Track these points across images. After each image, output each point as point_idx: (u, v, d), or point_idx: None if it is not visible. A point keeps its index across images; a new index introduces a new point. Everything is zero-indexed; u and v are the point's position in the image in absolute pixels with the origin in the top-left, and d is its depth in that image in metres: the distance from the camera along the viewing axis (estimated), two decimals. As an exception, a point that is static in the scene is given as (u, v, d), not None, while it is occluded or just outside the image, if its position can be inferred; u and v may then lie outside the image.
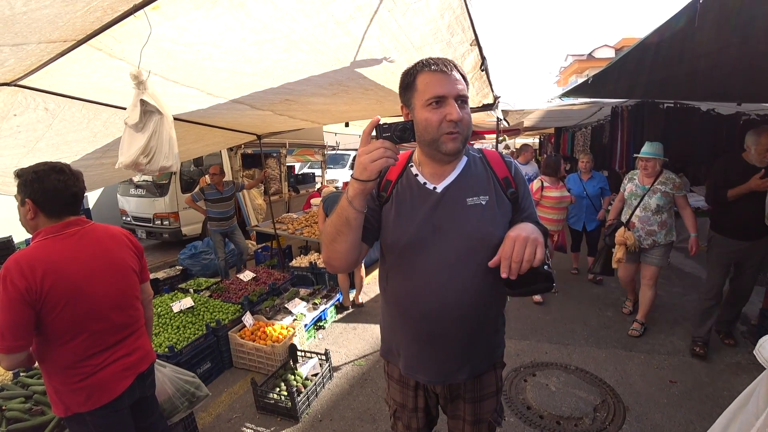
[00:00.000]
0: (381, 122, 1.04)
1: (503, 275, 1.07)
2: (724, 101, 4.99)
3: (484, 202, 1.24)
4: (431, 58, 1.17)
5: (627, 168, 6.78)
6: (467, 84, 1.19)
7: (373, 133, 1.04)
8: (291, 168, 10.79)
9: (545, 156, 4.93)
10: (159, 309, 3.70)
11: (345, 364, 3.49)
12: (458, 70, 1.17)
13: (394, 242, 1.28)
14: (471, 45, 1.95)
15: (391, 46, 1.92)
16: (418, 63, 1.18)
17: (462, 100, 1.15)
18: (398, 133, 1.04)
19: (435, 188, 1.26)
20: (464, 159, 1.30)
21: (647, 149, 3.55)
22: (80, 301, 1.54)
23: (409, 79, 1.19)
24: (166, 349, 3.02)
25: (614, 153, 6.95)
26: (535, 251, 1.05)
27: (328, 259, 1.25)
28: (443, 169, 1.27)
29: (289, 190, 9.36)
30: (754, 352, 0.59)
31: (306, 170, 12.77)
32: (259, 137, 4.81)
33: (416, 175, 1.29)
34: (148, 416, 1.87)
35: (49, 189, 1.54)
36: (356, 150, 11.59)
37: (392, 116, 3.23)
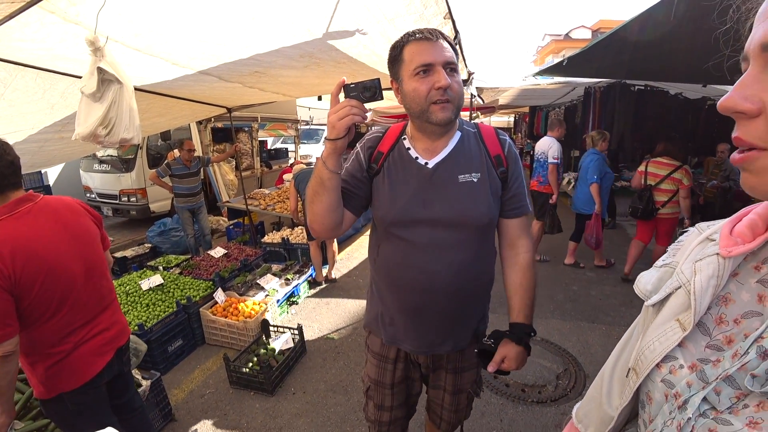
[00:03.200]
0: (348, 83, 1.05)
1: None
2: (693, 82, 5.10)
3: (475, 180, 1.24)
4: (417, 29, 1.15)
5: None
6: (456, 54, 1.18)
7: (341, 94, 1.06)
8: (263, 143, 10.55)
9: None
10: (127, 287, 3.62)
11: (318, 338, 3.53)
12: (445, 39, 1.15)
13: (384, 215, 1.28)
14: (444, 18, 1.93)
15: (363, 17, 1.88)
16: (404, 35, 1.16)
17: (451, 67, 1.13)
18: (364, 92, 1.06)
19: (427, 164, 1.25)
20: (458, 134, 1.28)
21: None
22: (55, 278, 1.48)
23: (395, 52, 1.17)
24: (136, 327, 2.96)
25: (586, 133, 7.10)
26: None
27: (309, 221, 1.25)
28: (436, 144, 1.25)
29: (261, 166, 9.18)
30: (633, 286, 0.65)
31: (279, 145, 12.51)
32: (230, 110, 4.66)
33: (408, 149, 1.28)
34: (125, 393, 1.85)
35: None
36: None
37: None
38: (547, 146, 4.73)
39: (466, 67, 2.79)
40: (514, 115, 18.05)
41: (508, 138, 1.33)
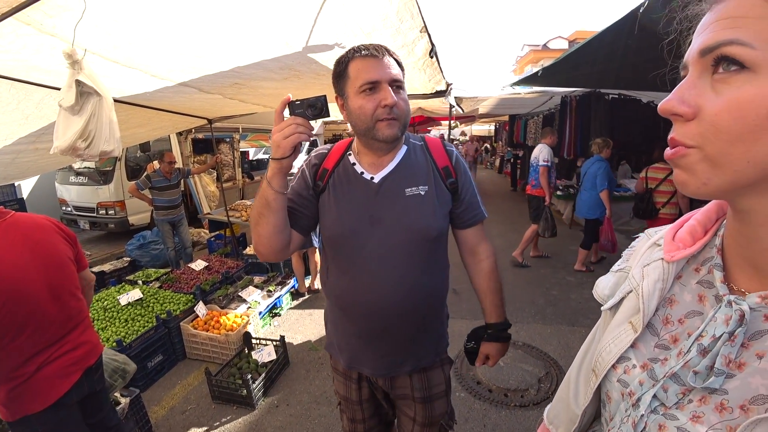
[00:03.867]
0: (293, 99, 1.04)
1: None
2: (664, 90, 5.31)
3: (423, 193, 1.22)
4: (362, 45, 1.13)
5: (575, 155, 7.15)
6: (403, 70, 1.18)
7: (286, 111, 1.04)
8: (245, 153, 10.50)
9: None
10: (105, 302, 3.54)
11: (301, 349, 3.50)
12: (391, 55, 1.14)
13: (331, 235, 1.25)
14: (420, 32, 1.98)
15: (341, 31, 1.92)
16: (349, 50, 1.14)
17: (397, 85, 1.13)
18: (310, 109, 1.04)
19: (372, 178, 1.22)
20: (404, 148, 1.27)
21: None
22: (18, 300, 1.44)
23: (340, 68, 1.15)
24: (114, 344, 2.90)
25: (563, 141, 7.29)
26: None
27: (254, 244, 1.21)
28: (382, 158, 1.23)
29: (243, 177, 9.12)
30: (592, 291, 0.70)
31: (261, 156, 12.44)
32: (210, 121, 4.64)
33: (354, 164, 1.26)
34: (98, 412, 1.80)
35: None
36: (313, 136, 11.44)
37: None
38: (539, 152, 5.03)
39: (444, 78, 2.85)
40: (494, 124, 18.37)
41: (455, 149, 1.33)
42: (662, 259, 0.57)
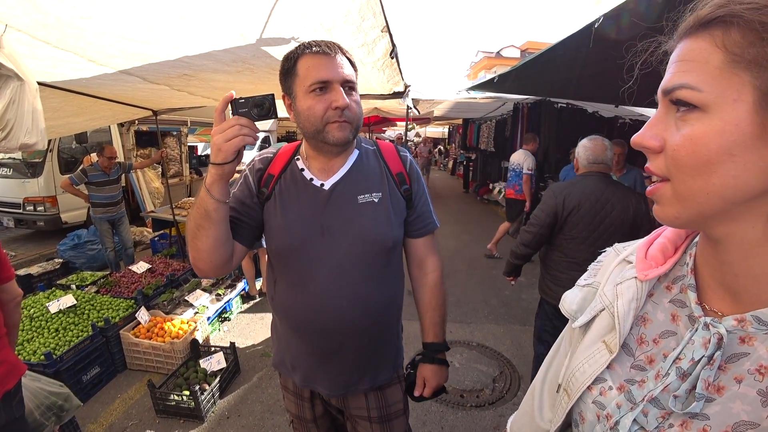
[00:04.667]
0: (236, 97, 0.94)
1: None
2: (606, 102, 5.65)
3: (376, 200, 1.15)
4: (314, 41, 1.06)
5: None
6: (356, 70, 1.12)
7: (228, 110, 0.95)
8: (193, 148, 9.97)
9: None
10: (32, 310, 3.19)
11: (253, 356, 3.36)
12: (344, 54, 1.08)
13: (278, 246, 1.16)
14: (382, 31, 1.94)
15: (300, 25, 1.84)
16: (299, 46, 1.06)
17: (350, 86, 1.06)
18: (256, 109, 0.95)
19: (323, 185, 1.15)
20: (355, 152, 1.20)
21: None
22: None
23: (289, 64, 1.06)
24: (42, 357, 2.62)
25: (515, 145, 7.55)
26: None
27: (192, 260, 1.09)
28: (332, 163, 1.16)
29: (190, 172, 8.64)
30: (559, 305, 0.70)
31: (210, 151, 11.91)
32: (155, 113, 4.35)
33: (302, 169, 1.17)
34: None
35: None
36: (266, 132, 10.96)
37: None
38: (523, 159, 5.26)
39: (403, 79, 2.84)
40: (448, 127, 18.76)
41: (409, 155, 1.27)
42: (635, 277, 0.57)
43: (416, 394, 1.30)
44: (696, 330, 0.48)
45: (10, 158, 6.46)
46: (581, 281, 0.68)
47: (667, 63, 0.47)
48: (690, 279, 0.52)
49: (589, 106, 6.56)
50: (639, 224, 2.15)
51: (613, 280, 0.60)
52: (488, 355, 3.33)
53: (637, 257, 0.59)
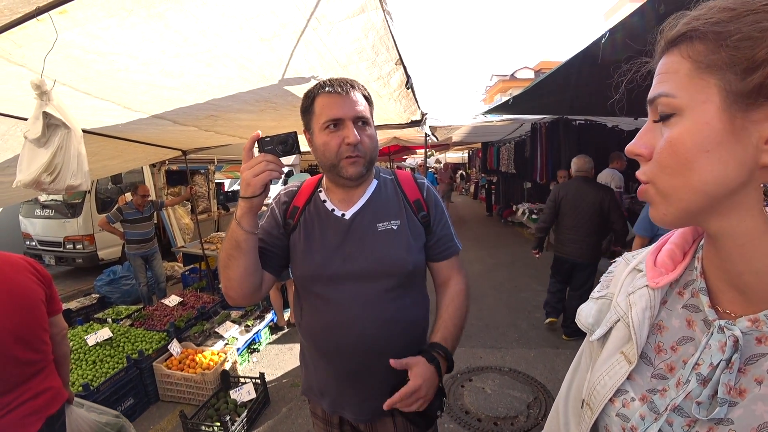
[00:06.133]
0: (262, 136, 1.02)
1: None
2: (625, 116, 5.60)
3: (395, 227, 1.19)
4: (329, 80, 1.13)
5: (548, 179, 7.36)
6: (371, 104, 1.18)
7: (255, 147, 1.02)
8: (220, 185, 10.34)
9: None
10: (72, 343, 3.32)
11: (282, 387, 3.36)
12: (359, 90, 1.14)
13: (303, 274, 1.21)
14: (396, 64, 2.03)
15: (318, 64, 1.94)
16: (315, 85, 1.14)
17: (362, 121, 1.12)
18: (280, 146, 1.02)
19: (344, 215, 1.20)
20: (374, 182, 1.25)
21: None
22: None
23: (307, 103, 1.15)
24: (80, 388, 2.71)
25: (535, 166, 7.51)
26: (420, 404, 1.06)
27: (224, 289, 1.16)
28: (351, 194, 1.22)
29: (218, 208, 8.95)
30: (575, 320, 0.70)
31: (236, 187, 12.29)
32: (185, 153, 4.57)
33: (324, 201, 1.24)
34: None
35: None
36: (290, 166, 11.31)
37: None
38: (610, 178, 5.36)
39: (419, 108, 2.91)
40: (467, 151, 18.83)
41: (426, 181, 1.31)
42: (647, 285, 0.58)
43: (396, 394, 1.05)
44: (712, 334, 0.48)
45: (52, 200, 6.86)
46: (595, 293, 0.69)
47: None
48: (700, 282, 0.53)
49: (608, 121, 6.50)
50: (606, 208, 3.58)
51: (626, 290, 0.61)
52: (521, 381, 3.23)
53: (646, 266, 0.59)
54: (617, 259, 0.69)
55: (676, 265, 0.57)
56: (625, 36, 2.11)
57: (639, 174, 0.51)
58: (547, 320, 4.16)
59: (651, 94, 0.49)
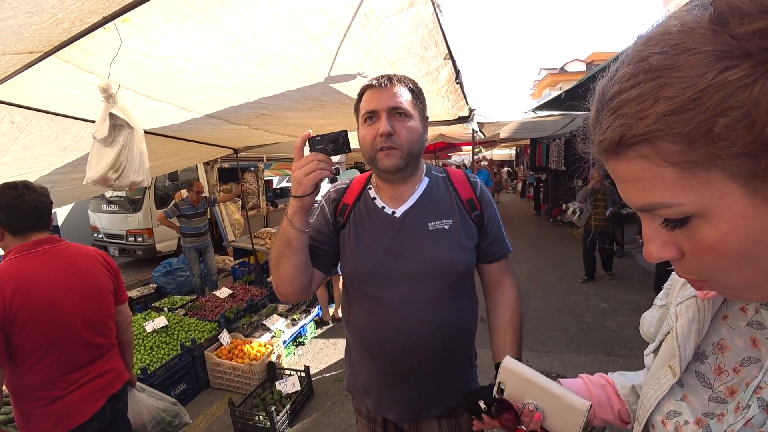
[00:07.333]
0: (313, 135, 1.02)
1: None
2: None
3: (447, 227, 1.16)
4: (376, 76, 1.14)
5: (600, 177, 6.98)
6: (418, 98, 1.15)
7: (306, 147, 1.02)
8: (269, 182, 10.70)
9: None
10: (132, 329, 3.56)
11: (326, 380, 3.42)
12: (402, 84, 1.13)
13: (353, 272, 1.20)
14: (445, 59, 1.98)
15: (365, 61, 1.93)
16: (365, 84, 1.16)
17: (398, 112, 1.10)
18: (331, 145, 1.02)
19: (394, 213, 1.18)
20: (425, 180, 1.23)
21: None
22: (50, 320, 1.49)
23: (357, 99, 1.18)
24: (139, 371, 2.90)
25: (588, 163, 7.14)
26: None
27: (275, 285, 1.17)
28: (400, 191, 1.20)
29: (267, 205, 9.26)
30: (639, 328, 0.65)
31: (284, 184, 12.66)
32: (236, 151, 4.75)
33: (374, 198, 1.23)
34: None
35: (5, 206, 1.51)
36: (336, 164, 11.54)
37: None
38: None
39: (467, 104, 2.84)
40: (515, 148, 18.28)
41: (479, 180, 1.28)
42: (695, 296, 0.53)
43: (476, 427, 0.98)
44: None
45: (116, 196, 7.41)
46: (657, 301, 0.65)
47: None
48: None
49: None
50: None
51: (676, 300, 0.56)
52: (568, 388, 3.08)
53: None
54: None
55: None
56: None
57: (682, 273, 0.43)
58: None
59: (639, 201, 0.40)
